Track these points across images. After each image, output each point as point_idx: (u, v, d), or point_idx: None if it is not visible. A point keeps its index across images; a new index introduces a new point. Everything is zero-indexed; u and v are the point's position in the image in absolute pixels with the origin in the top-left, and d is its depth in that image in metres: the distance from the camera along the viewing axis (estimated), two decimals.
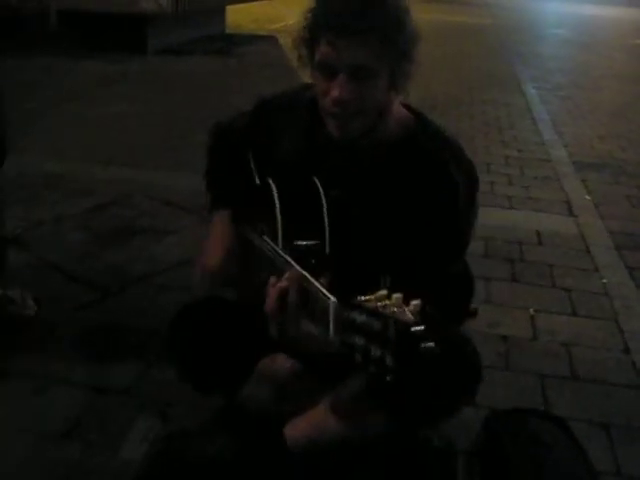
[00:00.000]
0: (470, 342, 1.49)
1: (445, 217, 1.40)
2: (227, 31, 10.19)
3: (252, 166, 1.61)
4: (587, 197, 4.01)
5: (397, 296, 0.92)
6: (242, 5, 11.09)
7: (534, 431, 1.77)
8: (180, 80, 6.77)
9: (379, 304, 0.91)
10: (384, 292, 0.94)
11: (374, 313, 0.91)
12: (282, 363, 1.56)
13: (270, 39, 9.52)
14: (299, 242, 1.32)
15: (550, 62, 9.70)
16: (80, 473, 1.68)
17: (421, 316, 0.88)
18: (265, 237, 1.43)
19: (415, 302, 0.90)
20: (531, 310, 2.61)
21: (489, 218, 3.51)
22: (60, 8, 7.58)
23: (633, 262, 3.12)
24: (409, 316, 0.88)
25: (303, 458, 1.50)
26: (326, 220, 1.40)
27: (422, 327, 0.86)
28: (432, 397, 1.38)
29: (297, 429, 1.53)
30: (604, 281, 2.90)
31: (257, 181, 1.57)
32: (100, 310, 2.43)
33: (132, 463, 1.68)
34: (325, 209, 1.40)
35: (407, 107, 1.50)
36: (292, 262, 1.27)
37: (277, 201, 1.42)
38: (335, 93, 1.31)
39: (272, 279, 1.27)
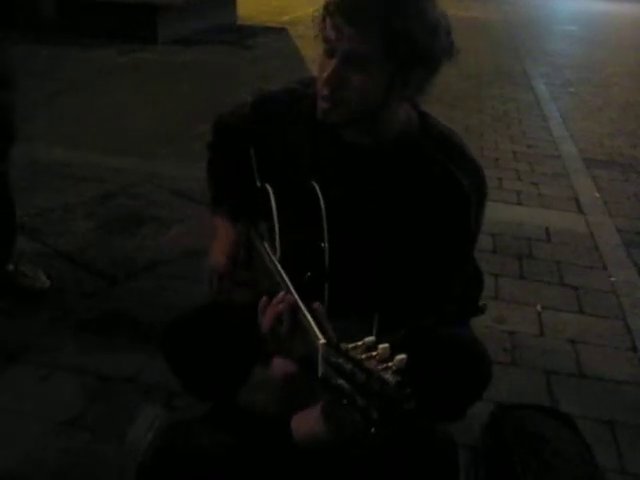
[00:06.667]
0: (479, 345, 1.49)
1: (455, 228, 1.37)
2: (238, 22, 10.15)
3: (253, 164, 1.59)
4: (596, 194, 3.98)
5: (383, 347, 0.91)
6: None
7: (539, 427, 1.76)
8: (190, 71, 6.75)
9: (364, 356, 0.91)
10: (372, 339, 0.93)
11: (359, 365, 0.90)
12: (277, 367, 1.54)
13: (281, 31, 9.47)
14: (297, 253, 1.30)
15: (560, 58, 9.63)
16: (85, 461, 1.69)
17: (403, 376, 0.87)
18: (265, 244, 1.41)
19: (400, 357, 0.89)
20: (538, 307, 2.60)
21: (497, 214, 3.50)
22: None
23: None
24: (391, 375, 0.87)
25: (308, 451, 1.50)
26: (325, 224, 1.38)
27: (404, 389, 0.86)
28: (439, 400, 1.37)
29: (302, 422, 1.52)
30: (612, 279, 2.89)
31: (257, 181, 1.56)
32: (107, 298, 2.44)
33: (137, 452, 1.69)
34: (324, 213, 1.38)
35: (412, 104, 1.46)
36: (288, 283, 1.24)
37: (275, 208, 1.41)
38: (324, 74, 1.30)
39: (264, 299, 1.25)
